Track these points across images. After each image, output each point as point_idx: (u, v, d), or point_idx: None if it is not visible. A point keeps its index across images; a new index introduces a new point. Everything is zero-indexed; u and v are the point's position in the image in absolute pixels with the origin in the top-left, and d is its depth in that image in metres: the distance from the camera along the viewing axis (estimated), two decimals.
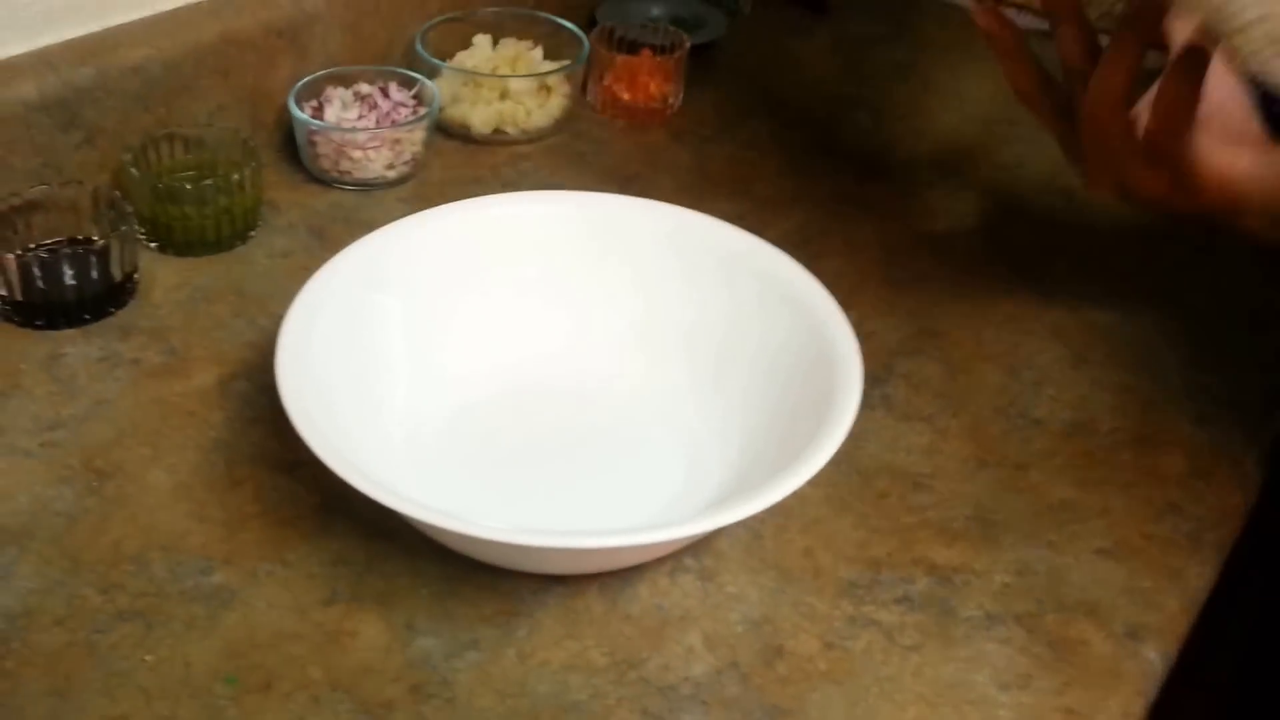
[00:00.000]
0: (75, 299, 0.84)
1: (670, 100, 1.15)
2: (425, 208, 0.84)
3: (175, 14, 0.98)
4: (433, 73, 1.07)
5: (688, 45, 1.15)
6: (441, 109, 1.06)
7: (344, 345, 0.76)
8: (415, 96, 1.05)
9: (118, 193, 0.88)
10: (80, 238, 0.87)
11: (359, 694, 0.64)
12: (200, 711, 0.62)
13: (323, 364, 0.73)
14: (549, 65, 1.13)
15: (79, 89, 0.91)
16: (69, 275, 0.83)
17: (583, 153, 1.08)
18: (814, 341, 0.76)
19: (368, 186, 1.02)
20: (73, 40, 0.93)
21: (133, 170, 0.90)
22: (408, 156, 1.02)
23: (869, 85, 1.25)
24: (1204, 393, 0.88)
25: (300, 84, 1.02)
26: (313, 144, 1.00)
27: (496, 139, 1.09)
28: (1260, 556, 0.87)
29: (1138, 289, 0.97)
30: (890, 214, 1.04)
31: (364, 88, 1.04)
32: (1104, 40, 0.75)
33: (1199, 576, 0.75)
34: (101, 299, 0.85)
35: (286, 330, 0.72)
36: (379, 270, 0.80)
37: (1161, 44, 0.74)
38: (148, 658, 0.65)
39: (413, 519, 0.66)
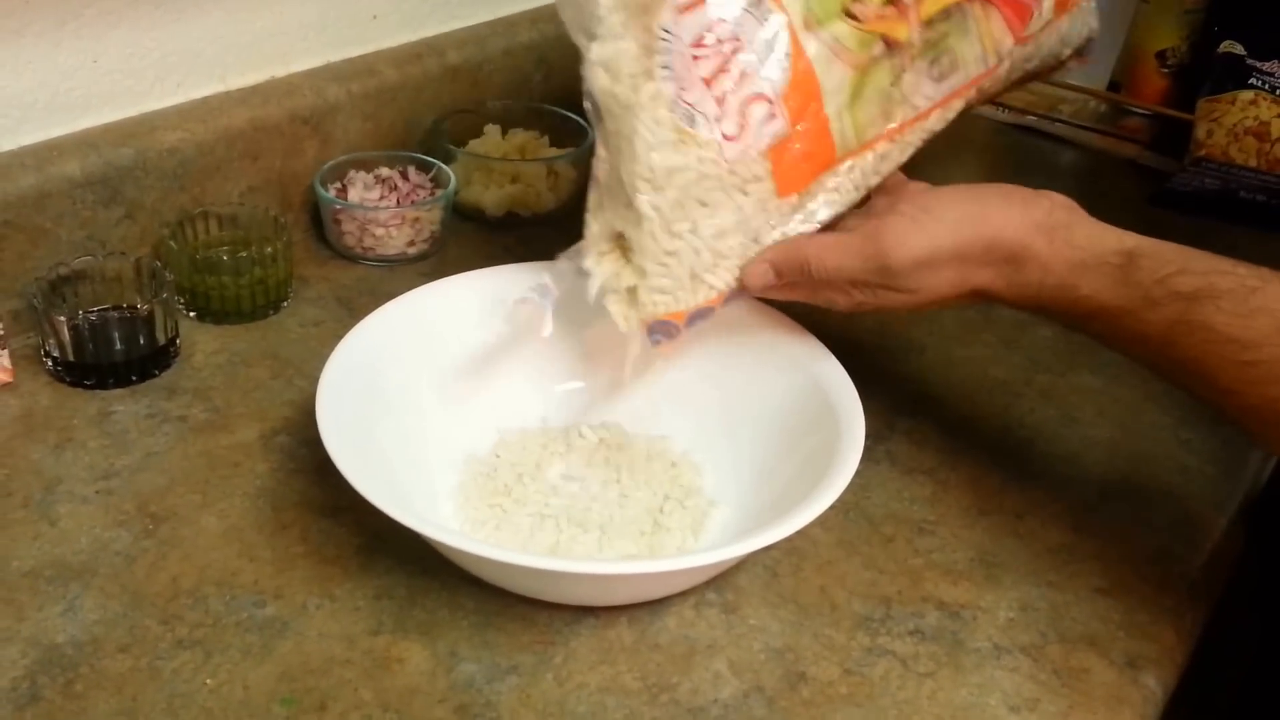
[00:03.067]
0: (122, 361, 0.89)
1: None
2: None
3: (206, 101, 1.04)
4: (448, 158, 1.13)
5: None
6: (457, 192, 1.11)
7: (377, 399, 0.80)
8: (432, 179, 1.11)
9: (159, 263, 0.93)
10: (125, 305, 0.91)
11: (408, 714, 0.67)
12: None
13: (359, 416, 0.77)
14: (556, 152, 1.19)
15: (119, 168, 0.96)
16: (116, 339, 0.88)
17: None
18: (819, 395, 0.81)
19: (390, 262, 1.07)
20: (111, 123, 0.99)
21: (171, 244, 0.95)
22: (427, 234, 1.07)
23: None
24: (1187, 448, 0.93)
25: (325, 167, 1.08)
26: (338, 222, 1.05)
27: (509, 220, 1.15)
28: (1251, 593, 0.91)
29: (1120, 356, 1.01)
30: None
31: (384, 171, 1.10)
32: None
33: (1193, 611, 0.79)
34: (146, 361, 0.90)
35: (325, 385, 0.77)
36: (408, 330, 0.85)
37: None
38: (208, 681, 0.68)
39: (455, 550, 0.70)
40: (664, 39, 0.74)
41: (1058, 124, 1.46)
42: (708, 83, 0.74)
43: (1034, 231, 0.76)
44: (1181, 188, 1.29)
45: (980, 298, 0.79)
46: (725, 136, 0.75)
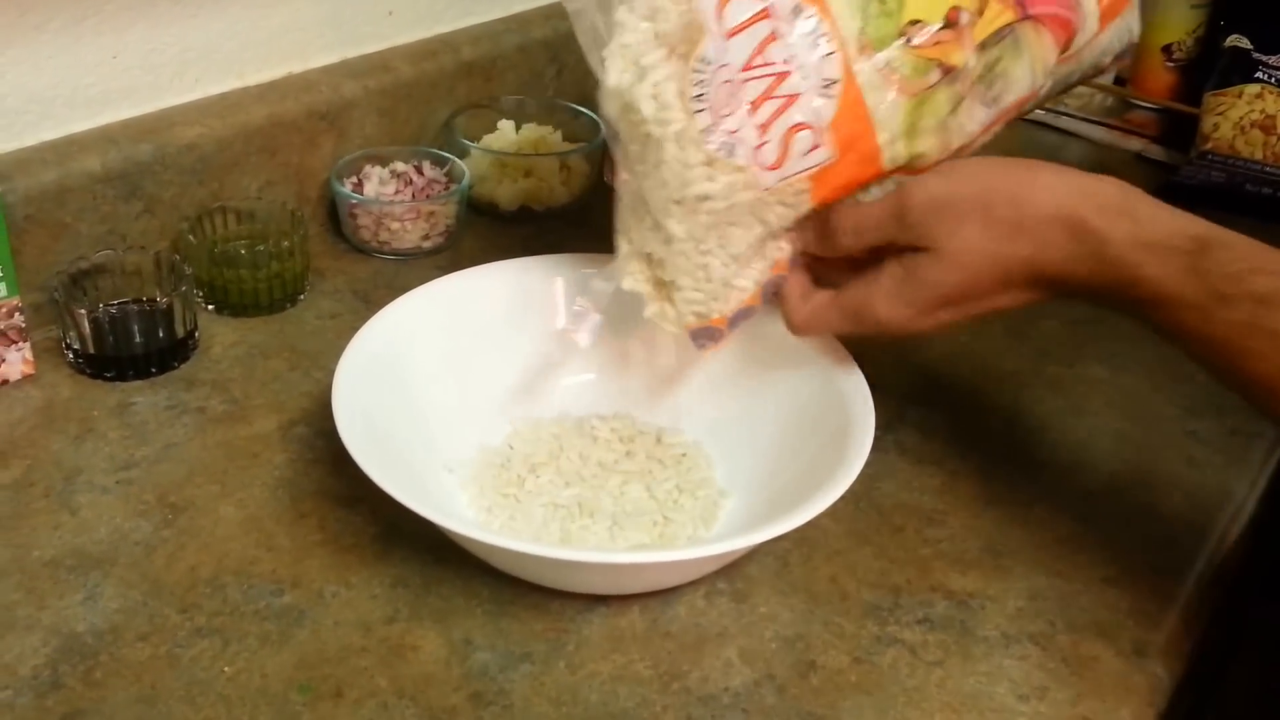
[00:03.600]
0: (142, 353, 0.90)
1: None
2: None
3: (224, 97, 1.05)
4: (462, 153, 1.14)
5: None
6: (471, 186, 1.12)
7: (393, 390, 0.81)
8: (447, 174, 1.12)
9: (178, 257, 0.94)
10: (145, 298, 0.93)
11: (423, 701, 0.68)
12: (277, 717, 0.67)
13: (375, 407, 0.78)
14: (569, 146, 1.20)
15: (139, 163, 0.97)
16: (136, 331, 0.90)
17: (603, 226, 1.14)
18: (829, 386, 0.82)
19: (406, 256, 1.08)
20: (131, 119, 1.00)
21: (190, 238, 0.97)
22: (442, 228, 1.08)
23: None
24: (1194, 438, 0.94)
25: (341, 162, 1.09)
26: (354, 216, 1.07)
27: (523, 214, 1.16)
28: (1260, 581, 0.92)
29: (1127, 346, 1.02)
30: None
31: (399, 166, 1.11)
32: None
33: (1201, 599, 0.80)
34: (165, 354, 0.91)
35: (341, 377, 0.78)
36: (423, 321, 0.86)
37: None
38: (226, 669, 0.69)
39: (470, 540, 0.71)
40: (699, 70, 0.72)
41: (1064, 117, 1.47)
42: (753, 107, 0.72)
43: (1086, 201, 0.70)
44: (1188, 181, 1.29)
45: (1031, 282, 0.73)
46: (764, 166, 0.73)
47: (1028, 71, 0.78)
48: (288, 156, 1.07)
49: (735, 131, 0.72)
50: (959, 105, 0.75)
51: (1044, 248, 0.71)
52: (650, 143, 0.74)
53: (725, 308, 0.79)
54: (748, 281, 0.79)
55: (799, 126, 0.72)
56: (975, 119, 0.77)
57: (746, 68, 0.71)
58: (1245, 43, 1.34)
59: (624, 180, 0.79)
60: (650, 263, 0.80)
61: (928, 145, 0.75)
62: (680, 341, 0.83)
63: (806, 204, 0.75)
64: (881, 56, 0.72)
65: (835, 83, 0.72)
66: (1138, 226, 0.69)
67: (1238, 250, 0.67)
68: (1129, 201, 0.71)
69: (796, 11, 0.71)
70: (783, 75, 0.71)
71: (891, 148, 0.74)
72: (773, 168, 0.73)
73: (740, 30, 0.71)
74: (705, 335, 0.80)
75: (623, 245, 0.81)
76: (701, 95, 0.72)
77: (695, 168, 0.73)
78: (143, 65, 0.99)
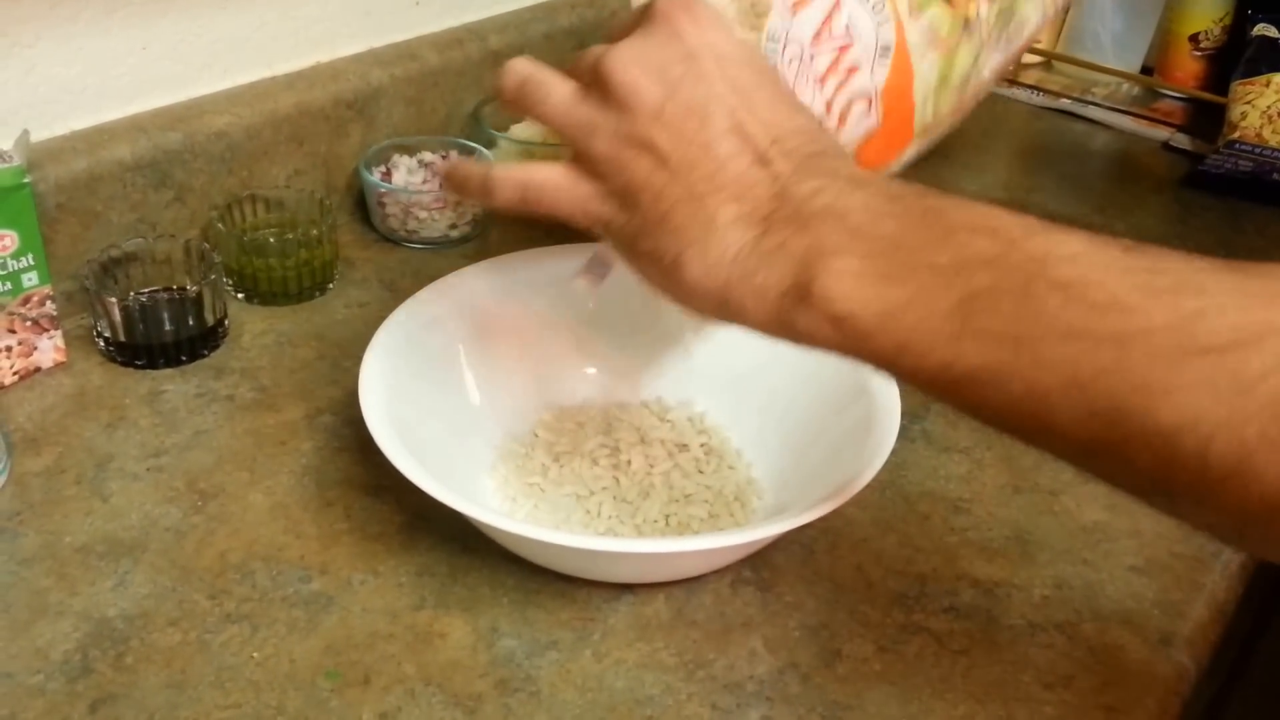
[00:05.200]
0: (172, 341, 0.91)
1: None
2: None
3: (254, 86, 1.06)
4: (490, 143, 1.14)
5: None
6: None
7: (420, 379, 0.82)
8: None
9: (207, 245, 0.95)
10: (174, 287, 0.93)
11: (450, 688, 0.69)
12: (305, 703, 0.68)
13: (402, 396, 0.78)
14: None
15: (169, 152, 0.98)
16: (166, 320, 0.90)
17: None
18: (855, 374, 0.81)
19: (434, 245, 1.08)
20: (161, 108, 1.01)
21: (220, 226, 0.97)
22: (469, 218, 1.09)
23: None
24: None
25: (370, 151, 1.10)
26: (382, 205, 1.07)
27: None
28: None
29: None
30: None
31: (427, 155, 1.12)
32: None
33: (1226, 590, 0.80)
34: (195, 342, 0.92)
35: (368, 366, 0.78)
36: (450, 311, 0.86)
37: None
38: (255, 655, 0.70)
39: (496, 529, 0.71)
40: (770, 47, 0.70)
41: (1091, 107, 1.46)
42: (820, 81, 0.71)
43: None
44: (1214, 170, 1.29)
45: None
46: None
47: (1038, 6, 0.78)
48: (316, 145, 1.08)
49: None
50: (979, 56, 0.75)
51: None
52: None
53: None
54: None
55: (859, 97, 0.71)
56: (990, 65, 0.77)
57: (815, 40, 0.70)
58: (1273, 31, 1.33)
59: None
60: None
61: (946, 105, 0.75)
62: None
63: None
64: (926, 17, 0.72)
65: (890, 49, 0.71)
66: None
67: None
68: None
69: None
70: (845, 47, 0.70)
71: (924, 106, 0.74)
72: None
73: (803, 5, 0.70)
74: None
75: None
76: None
77: None
78: (172, 55, 1.00)
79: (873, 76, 0.72)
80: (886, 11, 0.71)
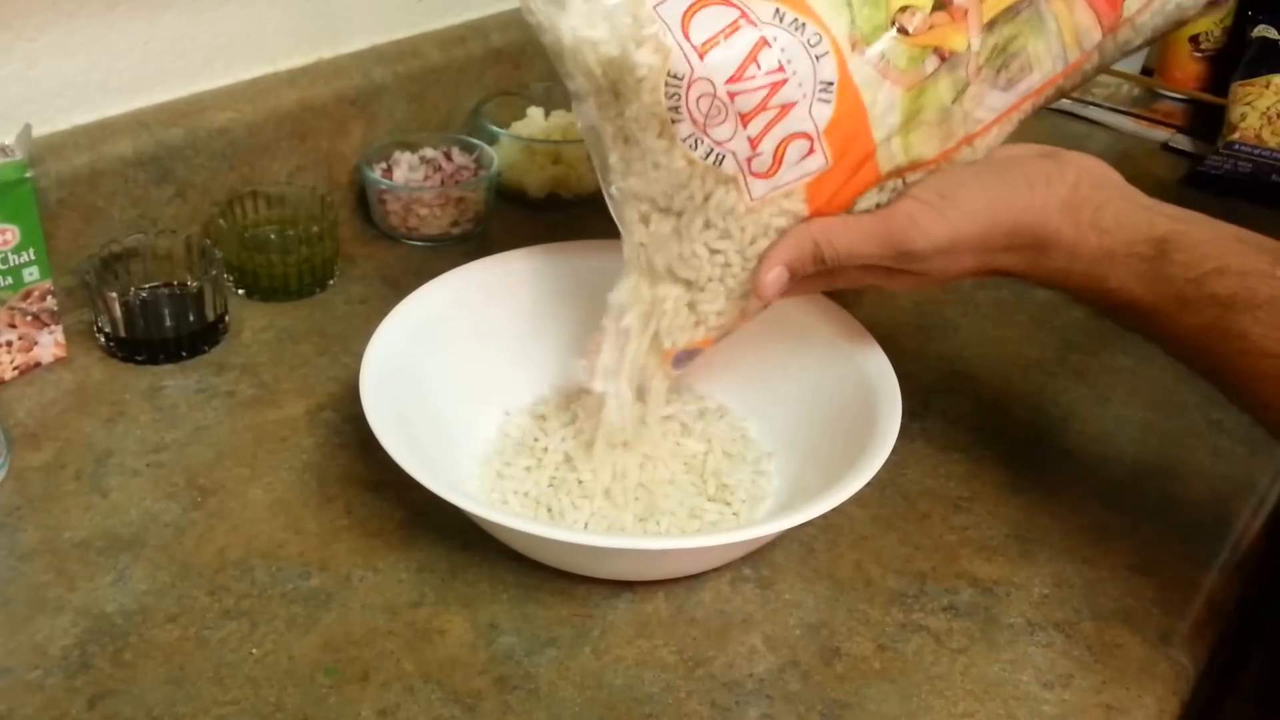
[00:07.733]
0: (173, 337, 0.91)
1: None
2: None
3: (256, 82, 1.06)
4: (491, 140, 1.14)
5: None
6: (499, 173, 1.12)
7: (421, 375, 0.82)
8: (475, 161, 1.12)
9: (208, 241, 0.95)
10: (175, 282, 0.94)
11: (449, 684, 0.69)
12: (304, 699, 0.68)
13: (403, 393, 0.78)
14: None
15: (170, 147, 0.98)
16: (167, 315, 0.90)
17: None
18: (856, 374, 0.82)
19: (434, 242, 1.08)
20: (162, 104, 1.01)
21: (221, 222, 0.97)
22: (470, 215, 1.09)
23: None
24: (1219, 428, 0.93)
25: (371, 148, 1.10)
26: (383, 202, 1.07)
27: (551, 201, 1.16)
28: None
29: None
30: None
31: (428, 152, 1.12)
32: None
33: (1225, 587, 0.80)
34: (196, 338, 0.92)
35: (369, 362, 0.78)
36: (451, 307, 0.86)
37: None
38: (254, 651, 0.70)
39: (496, 526, 0.71)
40: (670, 85, 0.68)
41: (1091, 107, 1.47)
42: (743, 120, 0.68)
43: (1059, 214, 0.72)
44: (1214, 171, 1.29)
45: (1001, 275, 0.76)
46: (755, 174, 0.71)
47: (1055, 46, 0.75)
48: (317, 142, 1.08)
49: (724, 143, 0.70)
50: (964, 92, 0.73)
51: (1022, 262, 0.74)
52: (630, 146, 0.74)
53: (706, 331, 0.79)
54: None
55: (795, 136, 0.69)
56: (987, 105, 0.74)
57: (736, 78, 0.67)
58: (1273, 33, 1.34)
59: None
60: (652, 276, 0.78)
61: (926, 145, 0.73)
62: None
63: (802, 214, 0.74)
64: (874, 50, 0.69)
65: (832, 85, 0.69)
66: (1104, 237, 0.71)
67: (1200, 250, 0.69)
68: (1100, 212, 0.72)
69: (779, 16, 0.68)
70: (778, 84, 0.68)
71: (888, 147, 0.72)
72: (764, 176, 0.71)
73: (713, 45, 0.67)
74: (687, 357, 0.80)
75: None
76: (676, 108, 0.69)
77: (675, 175, 0.72)
78: (175, 51, 1.00)
79: (811, 113, 0.69)
80: (825, 45, 0.68)
